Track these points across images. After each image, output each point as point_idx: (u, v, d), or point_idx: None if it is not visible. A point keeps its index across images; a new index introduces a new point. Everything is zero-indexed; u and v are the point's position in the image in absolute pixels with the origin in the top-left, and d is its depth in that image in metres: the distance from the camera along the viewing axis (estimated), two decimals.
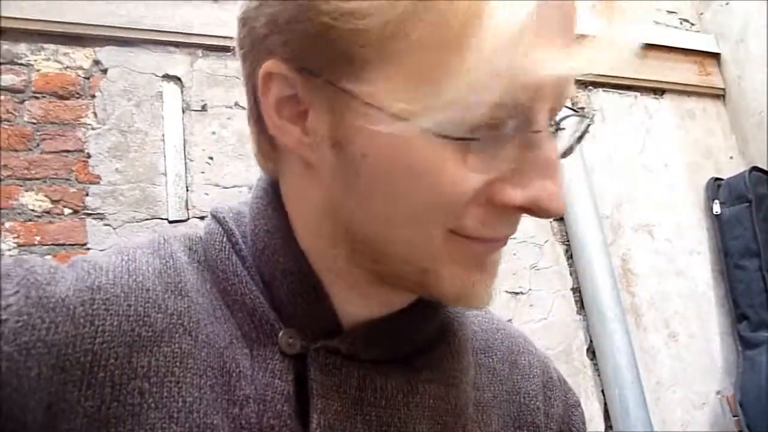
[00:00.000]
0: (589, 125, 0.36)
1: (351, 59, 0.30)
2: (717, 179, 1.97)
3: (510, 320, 1.58)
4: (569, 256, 1.72)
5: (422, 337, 0.40)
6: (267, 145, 0.38)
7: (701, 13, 2.18)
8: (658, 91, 2.03)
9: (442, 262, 0.33)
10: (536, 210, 0.32)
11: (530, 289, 1.64)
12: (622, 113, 1.95)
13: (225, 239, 0.38)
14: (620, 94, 1.96)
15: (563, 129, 0.34)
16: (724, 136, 2.10)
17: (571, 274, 1.71)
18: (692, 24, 2.19)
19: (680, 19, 2.17)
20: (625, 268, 1.80)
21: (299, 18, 0.31)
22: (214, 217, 0.40)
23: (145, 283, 0.34)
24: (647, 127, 1.98)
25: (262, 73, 0.34)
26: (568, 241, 1.72)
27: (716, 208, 1.92)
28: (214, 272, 0.37)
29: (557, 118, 0.33)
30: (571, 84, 0.33)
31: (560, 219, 1.72)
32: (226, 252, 0.37)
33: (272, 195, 0.39)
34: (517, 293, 1.62)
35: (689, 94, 2.08)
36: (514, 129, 0.31)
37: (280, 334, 0.35)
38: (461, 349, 0.42)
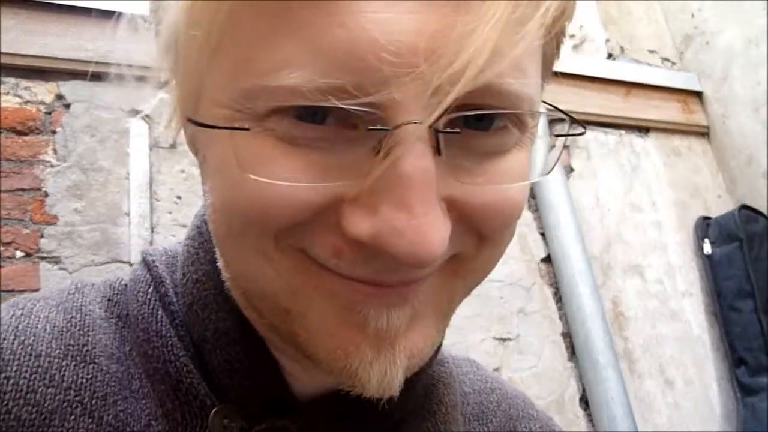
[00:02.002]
0: (569, 132, 0.28)
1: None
2: (706, 218, 1.96)
3: (498, 369, 1.52)
4: (558, 299, 1.69)
5: (399, 411, 0.32)
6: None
7: (682, 52, 2.23)
8: (643, 130, 2.05)
9: (303, 298, 0.26)
10: (380, 251, 0.24)
11: (518, 335, 1.59)
12: (608, 152, 1.95)
13: (151, 289, 0.32)
14: (605, 132, 1.97)
15: (455, 133, 0.24)
16: (711, 174, 2.11)
17: (560, 319, 1.67)
18: (673, 63, 2.23)
19: (661, 58, 2.21)
20: (617, 311, 1.77)
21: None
22: (144, 260, 0.35)
23: (37, 347, 0.29)
24: (633, 165, 1.98)
25: None
26: (556, 283, 1.69)
27: (707, 248, 1.91)
28: (135, 331, 0.32)
29: (454, 114, 0.24)
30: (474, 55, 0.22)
31: (548, 260, 1.70)
32: (151, 306, 0.32)
33: (206, 236, 0.33)
34: (504, 339, 1.57)
35: (674, 132, 2.10)
36: (360, 127, 0.23)
37: (213, 412, 0.29)
38: (450, 419, 0.35)
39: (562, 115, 0.29)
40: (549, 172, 0.29)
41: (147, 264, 0.34)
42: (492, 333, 1.55)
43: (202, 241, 0.33)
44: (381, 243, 0.24)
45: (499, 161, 0.27)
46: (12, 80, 1.26)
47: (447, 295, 0.29)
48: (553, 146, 0.31)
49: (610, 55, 2.06)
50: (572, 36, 2.01)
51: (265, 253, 0.26)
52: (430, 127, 0.23)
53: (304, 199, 0.24)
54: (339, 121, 0.24)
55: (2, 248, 1.14)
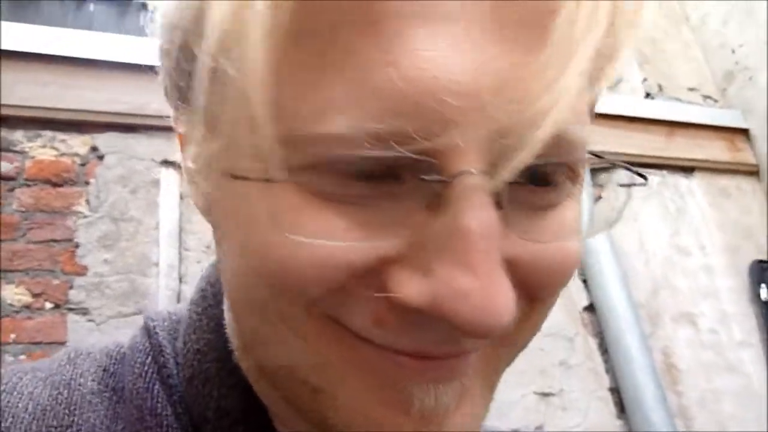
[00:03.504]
0: (633, 183, 0.26)
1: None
2: (761, 261, 1.87)
3: (540, 427, 1.45)
4: (603, 350, 1.61)
5: None
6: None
7: (724, 89, 2.18)
8: (687, 170, 1.99)
9: (335, 374, 0.23)
10: (439, 317, 0.21)
11: (562, 390, 1.51)
12: (651, 193, 1.90)
13: (149, 360, 0.30)
14: (647, 173, 1.92)
15: (522, 184, 0.22)
16: (762, 214, 2.03)
17: (607, 372, 1.58)
18: (716, 100, 2.18)
19: (702, 95, 2.17)
20: (668, 364, 1.67)
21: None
22: (144, 326, 0.32)
23: (14, 430, 0.27)
24: (678, 206, 1.92)
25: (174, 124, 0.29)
26: (601, 333, 1.61)
27: (764, 293, 1.81)
28: (129, 407, 0.29)
29: (514, 164, 0.21)
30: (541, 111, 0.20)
31: (591, 309, 1.63)
32: (147, 379, 0.29)
33: (211, 300, 0.31)
34: (546, 394, 1.49)
35: (721, 171, 2.03)
36: (409, 178, 0.21)
37: None
38: None
39: (605, 163, 0.27)
40: (616, 221, 0.26)
41: (147, 330, 0.32)
42: (533, 387, 1.48)
43: (206, 306, 0.31)
44: (440, 309, 0.21)
45: (555, 215, 0.25)
46: (49, 133, 1.31)
47: (494, 365, 0.26)
48: (599, 197, 0.28)
49: (648, 95, 2.03)
50: (607, 78, 1.99)
51: (293, 324, 0.23)
52: (491, 177, 0.21)
53: (345, 261, 0.22)
54: (386, 174, 0.22)
55: (32, 300, 1.15)
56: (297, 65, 0.21)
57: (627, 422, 1.53)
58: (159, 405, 0.29)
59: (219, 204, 0.26)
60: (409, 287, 0.22)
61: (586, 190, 0.28)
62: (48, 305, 1.16)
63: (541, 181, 0.24)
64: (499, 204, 0.21)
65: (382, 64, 0.20)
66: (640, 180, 0.27)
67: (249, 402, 0.28)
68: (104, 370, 0.31)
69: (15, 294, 1.15)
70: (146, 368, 0.30)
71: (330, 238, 0.21)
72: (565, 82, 0.20)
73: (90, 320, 1.18)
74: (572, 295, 1.62)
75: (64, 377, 0.30)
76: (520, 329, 0.26)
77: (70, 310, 1.17)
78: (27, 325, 1.13)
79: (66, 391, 0.29)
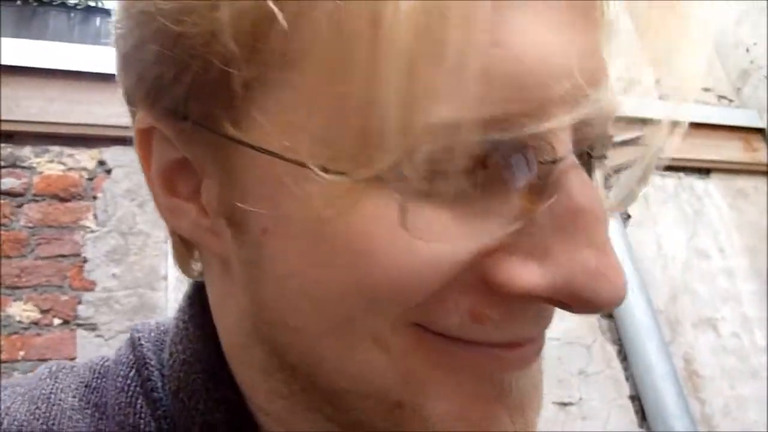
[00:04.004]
0: (649, 163, 0.25)
1: (222, 83, 0.21)
2: None
3: None
4: (623, 358, 1.57)
5: None
6: (178, 238, 0.29)
7: (739, 89, 2.15)
8: (703, 171, 1.96)
9: (420, 384, 0.22)
10: (569, 300, 0.20)
11: (581, 399, 1.48)
12: (667, 196, 1.86)
13: (133, 373, 0.29)
14: (662, 176, 1.89)
15: (603, 159, 0.23)
16: None
17: (627, 380, 1.55)
18: (731, 100, 2.15)
19: (717, 95, 2.13)
20: (690, 371, 1.63)
21: (143, 34, 0.22)
22: (130, 337, 0.31)
23: None
24: (696, 209, 1.88)
25: (136, 132, 0.26)
26: (620, 340, 1.58)
27: None
28: (110, 424, 0.28)
29: (591, 147, 0.23)
30: (599, 98, 0.21)
31: (609, 315, 1.60)
32: (130, 393, 0.28)
33: (198, 308, 0.29)
34: (565, 404, 1.46)
35: (738, 172, 2.00)
36: (514, 163, 0.20)
37: None
38: None
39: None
40: (634, 199, 0.26)
41: (132, 342, 0.30)
42: (551, 398, 1.45)
43: (192, 313, 0.29)
44: (572, 291, 0.20)
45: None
46: (57, 148, 1.31)
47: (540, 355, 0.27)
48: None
49: (661, 96, 2.00)
50: (619, 79, 1.97)
51: (379, 340, 0.21)
52: (590, 155, 0.22)
53: (452, 261, 0.20)
54: (476, 163, 0.20)
55: (40, 316, 1.15)
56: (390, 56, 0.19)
57: (649, 431, 1.50)
58: (142, 421, 0.27)
59: (267, 214, 0.22)
60: (526, 274, 0.21)
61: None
62: (56, 321, 1.16)
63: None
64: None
65: (485, 45, 0.18)
66: (638, 134, 0.26)
67: (238, 416, 0.27)
68: (86, 386, 0.29)
69: (23, 311, 1.14)
70: (129, 382, 0.28)
71: (438, 239, 0.20)
72: (637, 49, 0.22)
73: (98, 336, 1.17)
74: None
75: (43, 392, 0.28)
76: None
77: (79, 325, 1.16)
78: (36, 342, 1.12)
79: (44, 406, 0.28)
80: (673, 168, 1.90)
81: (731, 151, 2.00)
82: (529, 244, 0.21)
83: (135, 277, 1.24)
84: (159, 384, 0.28)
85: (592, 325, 1.57)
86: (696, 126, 1.93)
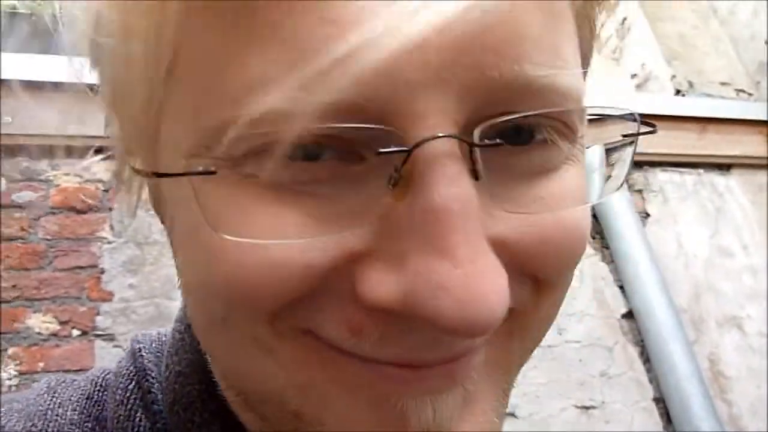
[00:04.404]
0: (634, 132, 0.22)
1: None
2: None
3: None
4: (645, 359, 1.55)
5: None
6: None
7: (758, 82, 2.11)
8: (723, 167, 1.92)
9: (317, 395, 0.21)
10: (413, 317, 0.18)
11: (603, 402, 1.46)
12: (687, 193, 1.83)
13: (132, 385, 0.28)
14: (681, 172, 1.86)
15: (496, 145, 0.19)
16: None
17: (650, 382, 1.52)
18: (750, 94, 2.11)
19: (736, 89, 2.10)
20: (715, 371, 1.60)
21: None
22: (131, 349, 0.30)
23: None
24: (717, 206, 1.85)
25: None
26: (642, 341, 1.55)
27: None
28: None
29: (487, 124, 0.19)
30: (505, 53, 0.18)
31: (630, 316, 1.57)
32: (129, 406, 0.28)
33: None
34: (588, 407, 1.44)
35: (759, 167, 1.96)
36: (367, 155, 0.18)
37: None
38: None
39: (620, 133, 0.23)
40: (620, 186, 0.23)
41: (133, 353, 0.30)
42: (573, 401, 1.42)
43: (188, 324, 0.28)
44: (415, 307, 0.18)
45: (549, 182, 0.21)
46: (72, 161, 1.32)
47: (504, 364, 0.23)
48: (608, 177, 0.25)
49: (678, 92, 1.97)
50: (634, 75, 1.94)
51: (260, 342, 0.20)
52: (462, 140, 0.18)
53: (304, 263, 0.19)
54: (339, 154, 0.19)
55: (59, 327, 1.16)
56: (210, 42, 0.19)
57: None
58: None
59: (166, 209, 0.24)
60: (380, 285, 0.19)
61: (598, 171, 0.24)
62: (75, 332, 1.17)
63: (525, 141, 0.20)
64: (475, 173, 0.18)
65: (320, 22, 0.17)
66: (647, 129, 0.23)
67: (234, 429, 0.26)
68: (87, 399, 0.29)
69: (42, 322, 1.16)
70: (129, 394, 0.28)
71: (282, 237, 0.18)
72: (524, 17, 0.18)
73: (116, 346, 1.17)
74: (609, 303, 1.57)
75: (40, 408, 0.28)
76: (529, 320, 0.23)
77: (97, 336, 1.17)
78: (55, 354, 1.13)
79: (41, 423, 0.27)
80: (691, 164, 1.87)
81: (751, 145, 1.96)
82: (391, 250, 0.19)
83: (151, 287, 1.24)
84: (159, 396, 0.28)
85: (613, 327, 1.55)
86: (714, 121, 1.89)
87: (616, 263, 1.60)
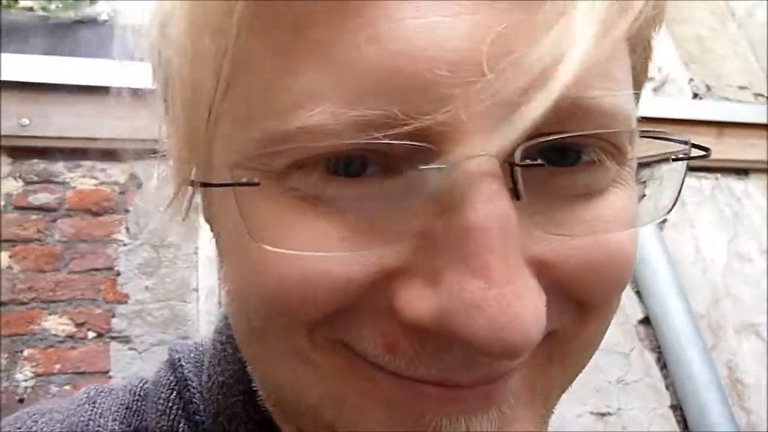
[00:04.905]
0: (680, 157, 0.21)
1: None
2: None
3: None
4: (662, 366, 1.53)
5: None
6: None
7: None
8: (741, 172, 1.90)
9: (352, 408, 0.21)
10: (448, 336, 0.18)
11: (620, 409, 1.44)
12: (704, 198, 1.81)
13: (174, 395, 0.28)
14: (698, 177, 1.84)
15: (538, 165, 0.19)
16: None
17: (667, 388, 1.50)
18: (767, 98, 2.09)
19: (754, 93, 2.07)
20: (734, 379, 1.58)
21: None
22: (169, 358, 0.30)
23: None
24: (735, 211, 1.83)
25: None
26: (659, 347, 1.53)
27: None
28: None
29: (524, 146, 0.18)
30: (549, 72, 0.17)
31: (647, 322, 1.55)
32: (171, 416, 0.27)
33: None
34: (604, 414, 1.42)
35: None
36: (406, 170, 0.18)
37: None
38: None
39: (656, 151, 0.23)
40: (671, 209, 0.22)
41: (171, 363, 0.30)
42: (589, 407, 1.41)
43: (230, 334, 0.28)
44: (449, 325, 0.18)
45: (595, 205, 0.21)
46: (89, 163, 1.33)
47: (544, 389, 0.23)
48: (643, 195, 0.24)
49: (695, 95, 1.96)
50: (651, 78, 1.93)
51: (298, 353, 0.20)
52: (503, 160, 0.18)
53: (342, 276, 0.19)
54: (381, 169, 0.19)
55: (75, 329, 1.16)
56: (264, 59, 0.19)
57: None
58: None
59: (215, 218, 0.25)
60: (416, 303, 0.19)
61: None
62: (91, 334, 1.17)
63: (570, 161, 0.20)
64: (516, 192, 0.18)
65: (362, 41, 0.17)
66: (700, 152, 0.22)
67: None
68: (127, 408, 0.29)
69: (59, 324, 1.16)
70: (171, 404, 0.28)
71: (323, 249, 0.19)
72: (571, 33, 0.17)
73: (132, 348, 1.18)
74: (626, 308, 1.55)
75: (82, 418, 0.28)
76: (571, 345, 0.23)
77: (113, 338, 1.17)
78: (71, 355, 1.14)
79: None
80: (709, 169, 1.85)
81: None
82: (429, 267, 0.19)
83: (167, 289, 1.24)
84: (201, 407, 0.28)
85: (629, 333, 1.53)
86: (732, 125, 1.87)
87: (634, 268, 1.58)
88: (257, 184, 0.19)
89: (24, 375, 1.09)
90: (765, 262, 1.78)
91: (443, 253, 0.18)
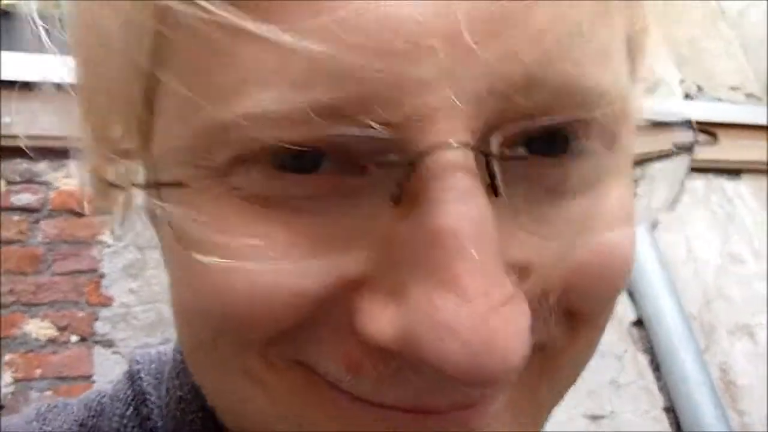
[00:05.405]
0: (688, 145, 0.19)
1: None
2: None
3: None
4: (655, 367, 1.52)
5: None
6: None
7: None
8: (733, 173, 1.90)
9: (307, 429, 0.18)
10: (411, 358, 0.16)
11: (612, 411, 1.43)
12: (697, 199, 1.81)
13: (131, 411, 0.26)
14: (690, 178, 1.84)
15: (519, 158, 0.17)
16: None
17: (660, 390, 1.50)
18: (759, 98, 2.09)
19: (746, 94, 2.08)
20: (727, 381, 1.57)
21: None
22: (128, 370, 0.28)
23: None
24: (727, 212, 1.82)
25: None
26: (652, 349, 1.53)
27: None
28: None
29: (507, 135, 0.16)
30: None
31: (639, 324, 1.54)
32: None
33: None
34: (597, 417, 1.41)
35: None
36: (362, 166, 0.16)
37: None
38: None
39: (653, 144, 0.20)
40: (671, 204, 0.20)
41: (131, 375, 0.27)
42: (581, 410, 1.40)
43: None
44: (415, 348, 0.15)
45: (586, 200, 0.18)
46: (72, 163, 1.30)
47: (529, 412, 0.21)
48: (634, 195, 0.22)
49: (686, 96, 1.95)
50: (642, 79, 1.92)
51: (250, 373, 0.18)
52: (478, 150, 0.15)
53: (293, 289, 0.16)
54: (337, 165, 0.16)
55: (57, 333, 1.13)
56: (197, 35, 0.16)
57: None
58: None
59: (155, 223, 0.22)
60: (378, 320, 0.16)
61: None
62: (73, 338, 1.14)
63: (557, 150, 0.17)
64: (493, 188, 0.16)
65: (311, 12, 0.15)
66: (705, 138, 0.20)
67: None
68: (81, 425, 0.27)
69: (40, 328, 1.13)
70: (126, 421, 0.26)
71: (270, 259, 0.16)
72: (566, 10, 0.15)
73: (116, 353, 1.15)
74: (618, 310, 1.54)
75: None
76: (561, 359, 0.20)
77: (96, 342, 1.15)
78: (53, 360, 1.11)
79: None
80: (701, 169, 1.85)
81: (762, 151, 1.93)
82: (392, 279, 0.16)
83: (153, 291, 1.22)
84: (159, 423, 0.26)
85: (622, 334, 1.52)
86: (724, 126, 1.87)
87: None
88: (180, 185, 0.17)
89: (4, 381, 1.06)
90: (757, 263, 1.77)
91: (408, 261, 0.16)
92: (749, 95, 2.08)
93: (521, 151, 0.17)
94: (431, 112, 0.15)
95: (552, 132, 0.17)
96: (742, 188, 1.89)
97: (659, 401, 1.49)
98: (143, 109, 0.19)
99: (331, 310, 0.17)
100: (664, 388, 1.49)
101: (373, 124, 0.15)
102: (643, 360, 1.53)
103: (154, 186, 0.18)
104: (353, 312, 0.17)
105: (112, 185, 0.20)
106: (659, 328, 1.50)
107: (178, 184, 0.17)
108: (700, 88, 2.00)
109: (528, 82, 0.15)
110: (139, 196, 0.22)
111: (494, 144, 0.16)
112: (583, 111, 0.17)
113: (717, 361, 1.58)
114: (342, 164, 0.16)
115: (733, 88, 2.06)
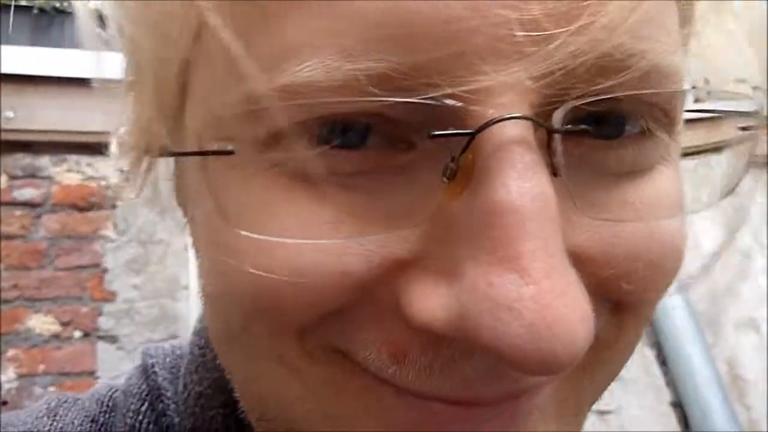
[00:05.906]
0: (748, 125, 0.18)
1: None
2: None
3: None
4: (662, 362, 1.51)
5: None
6: None
7: None
8: None
9: (350, 427, 0.17)
10: (466, 342, 0.15)
11: (619, 407, 1.42)
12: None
13: (145, 407, 0.25)
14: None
15: (583, 131, 0.16)
16: None
17: (667, 385, 1.49)
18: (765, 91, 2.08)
19: (753, 87, 2.06)
20: (734, 375, 1.56)
21: None
22: (142, 364, 0.27)
23: None
24: (734, 206, 1.81)
25: None
26: (658, 343, 1.52)
27: None
28: None
29: (564, 111, 0.15)
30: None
31: None
32: (141, 430, 0.24)
33: None
34: (603, 412, 1.40)
35: None
36: (418, 140, 0.15)
37: None
38: None
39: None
40: (733, 189, 0.19)
41: (145, 369, 0.26)
42: None
43: (209, 336, 0.26)
44: (470, 330, 0.14)
45: (642, 185, 0.18)
46: (74, 157, 1.30)
47: (572, 406, 0.20)
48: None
49: (693, 88, 1.94)
50: None
51: (285, 361, 0.17)
52: (541, 125, 0.14)
53: (336, 268, 0.15)
54: (386, 139, 0.16)
55: (61, 329, 1.13)
56: (249, 7, 0.16)
57: None
58: None
59: (186, 203, 0.21)
60: (428, 302, 0.15)
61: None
62: (77, 334, 1.14)
63: (615, 133, 0.17)
64: (552, 166, 0.15)
65: None
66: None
67: None
68: (92, 421, 0.26)
69: (43, 323, 1.13)
70: (141, 417, 0.25)
71: (313, 237, 0.15)
72: None
73: (119, 348, 1.15)
74: None
75: (50, 429, 0.25)
76: (609, 351, 0.19)
77: (100, 338, 1.14)
78: (56, 356, 1.11)
79: None
80: None
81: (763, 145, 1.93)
82: (445, 258, 0.15)
83: (156, 287, 1.21)
84: (176, 419, 0.25)
85: None
86: None
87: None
88: (231, 152, 0.16)
89: (7, 376, 1.06)
90: (764, 257, 1.76)
91: (464, 240, 0.15)
92: (756, 88, 2.07)
93: (583, 128, 0.16)
94: (497, 85, 0.14)
95: (608, 114, 0.17)
96: (750, 181, 1.89)
97: (666, 396, 1.48)
98: (177, 91, 0.18)
99: (375, 293, 0.16)
100: (671, 383, 1.49)
101: (433, 94, 0.14)
102: (650, 355, 1.52)
103: (187, 154, 0.18)
104: (400, 294, 0.16)
105: (158, 153, 0.20)
106: (666, 322, 1.49)
107: (225, 152, 0.16)
108: (706, 81, 1.99)
109: (598, 61, 0.15)
110: (166, 177, 0.21)
111: (555, 119, 0.15)
112: (645, 88, 0.16)
113: (724, 356, 1.57)
114: (390, 139, 0.16)
115: (739, 81, 2.05)
